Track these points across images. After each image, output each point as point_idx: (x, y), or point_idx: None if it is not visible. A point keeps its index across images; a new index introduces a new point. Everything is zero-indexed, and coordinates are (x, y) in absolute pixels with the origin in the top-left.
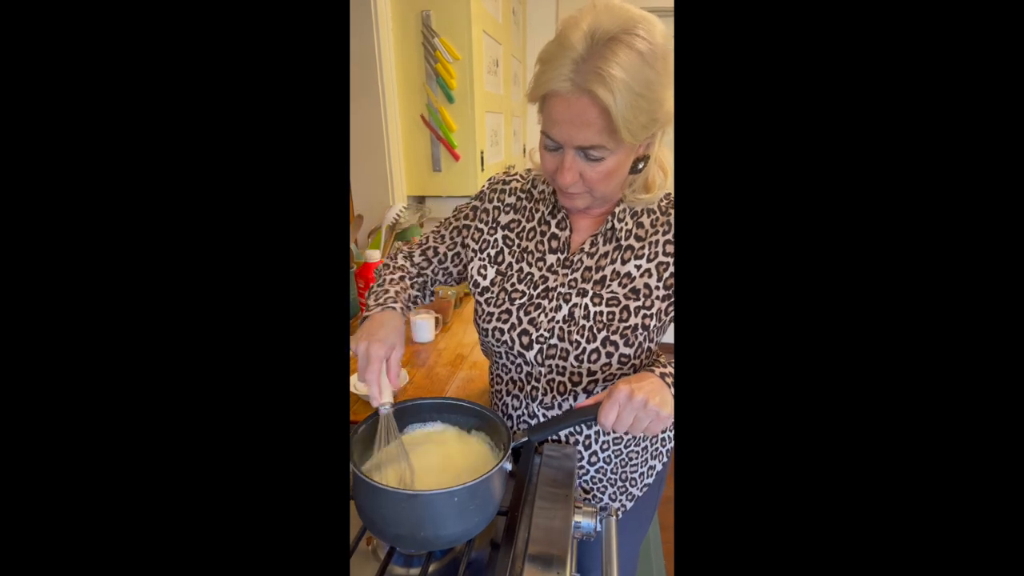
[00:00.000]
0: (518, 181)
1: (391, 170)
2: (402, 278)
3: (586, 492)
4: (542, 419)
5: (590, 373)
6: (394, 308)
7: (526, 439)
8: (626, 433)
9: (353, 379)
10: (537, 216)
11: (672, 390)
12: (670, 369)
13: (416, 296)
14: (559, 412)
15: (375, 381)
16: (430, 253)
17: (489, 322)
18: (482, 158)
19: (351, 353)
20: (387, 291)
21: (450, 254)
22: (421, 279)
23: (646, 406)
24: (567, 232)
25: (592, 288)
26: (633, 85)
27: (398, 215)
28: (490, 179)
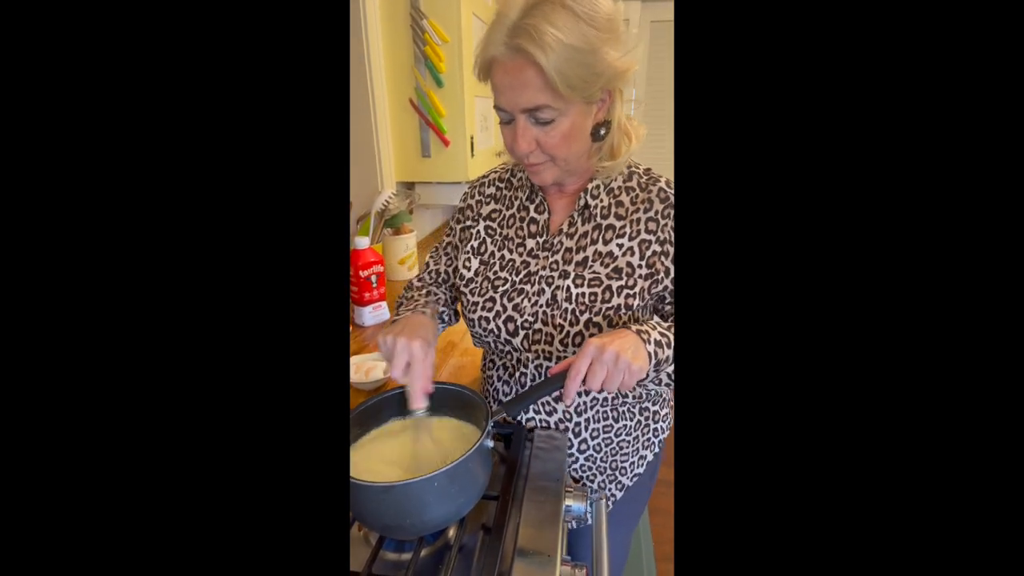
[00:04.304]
0: (496, 173)
1: (380, 155)
2: (428, 294)
3: (576, 481)
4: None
5: None
6: (425, 312)
7: (503, 414)
8: (602, 391)
9: (352, 369)
10: (516, 203)
11: (648, 345)
12: (647, 327)
13: (443, 312)
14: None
15: (420, 380)
16: (434, 275)
17: (475, 312)
18: (472, 144)
19: (383, 344)
20: (416, 301)
21: (450, 269)
22: (441, 298)
23: (617, 361)
24: (545, 215)
25: (574, 270)
26: (564, 39)
27: (387, 201)
28: (471, 182)
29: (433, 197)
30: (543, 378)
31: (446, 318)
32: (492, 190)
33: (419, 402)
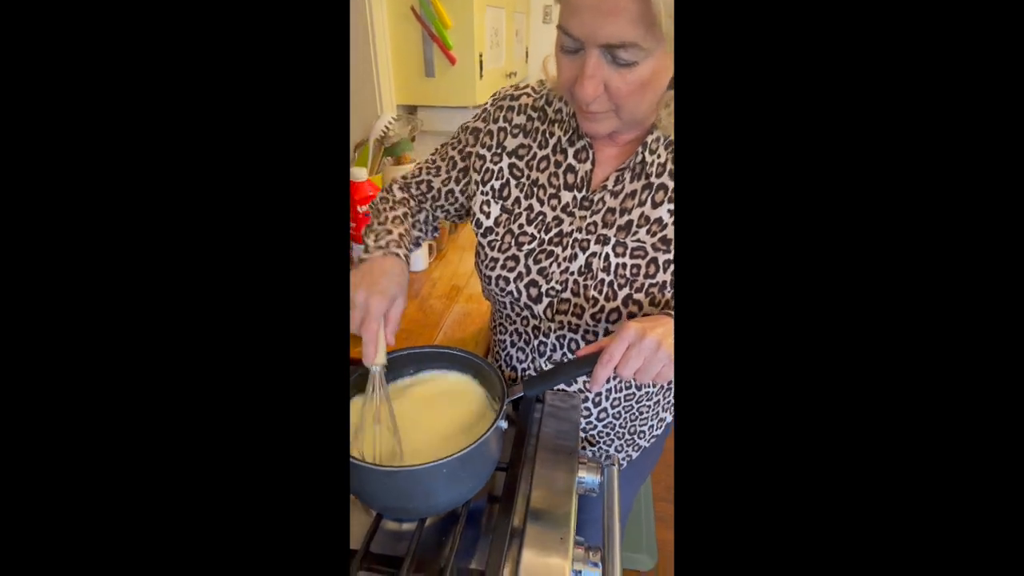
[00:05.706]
0: (529, 96)
1: (378, 74)
2: (405, 215)
3: (592, 444)
4: None
5: (608, 333)
6: (397, 254)
7: (522, 394)
8: (634, 382)
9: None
10: (552, 142)
11: None
12: None
13: (419, 237)
14: None
15: (372, 340)
16: (424, 187)
17: (493, 269)
18: (481, 62)
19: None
20: (390, 231)
21: (444, 190)
22: (422, 215)
23: (657, 349)
24: (588, 165)
25: (615, 235)
26: None
27: (387, 127)
28: (495, 95)
29: (437, 123)
30: (565, 351)
31: (421, 243)
32: (522, 120)
33: (371, 358)
